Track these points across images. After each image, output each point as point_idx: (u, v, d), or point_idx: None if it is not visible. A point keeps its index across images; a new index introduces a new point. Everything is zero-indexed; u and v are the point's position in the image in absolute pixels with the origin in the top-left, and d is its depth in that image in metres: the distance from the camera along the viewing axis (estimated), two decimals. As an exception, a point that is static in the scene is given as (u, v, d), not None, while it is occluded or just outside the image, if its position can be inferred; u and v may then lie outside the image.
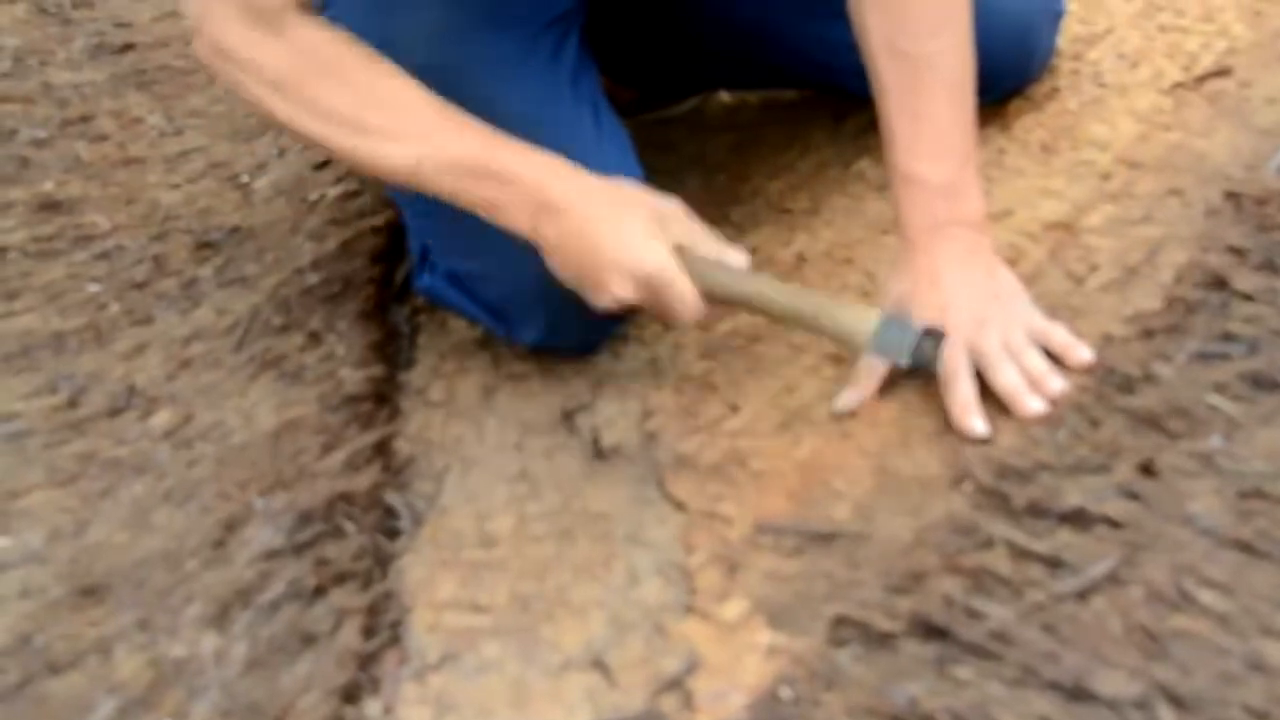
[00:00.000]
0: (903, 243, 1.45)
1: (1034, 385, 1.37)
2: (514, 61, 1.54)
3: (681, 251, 1.38)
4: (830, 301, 1.44)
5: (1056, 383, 1.37)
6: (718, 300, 1.41)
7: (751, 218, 1.71)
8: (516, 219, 1.39)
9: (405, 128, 1.41)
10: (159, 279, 1.76)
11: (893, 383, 1.43)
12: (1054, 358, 1.39)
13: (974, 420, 1.36)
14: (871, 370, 1.42)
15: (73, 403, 1.59)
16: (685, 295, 1.38)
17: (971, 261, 1.42)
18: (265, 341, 1.65)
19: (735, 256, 1.41)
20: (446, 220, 1.55)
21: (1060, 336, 1.40)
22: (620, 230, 1.38)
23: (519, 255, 1.49)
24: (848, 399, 1.43)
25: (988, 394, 1.37)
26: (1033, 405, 1.36)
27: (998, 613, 1.18)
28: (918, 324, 1.38)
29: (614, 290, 1.38)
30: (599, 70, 1.65)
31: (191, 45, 1.46)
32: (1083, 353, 1.39)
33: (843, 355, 1.48)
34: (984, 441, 1.34)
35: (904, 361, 1.37)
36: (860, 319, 1.39)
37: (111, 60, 2.22)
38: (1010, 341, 1.39)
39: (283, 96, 1.41)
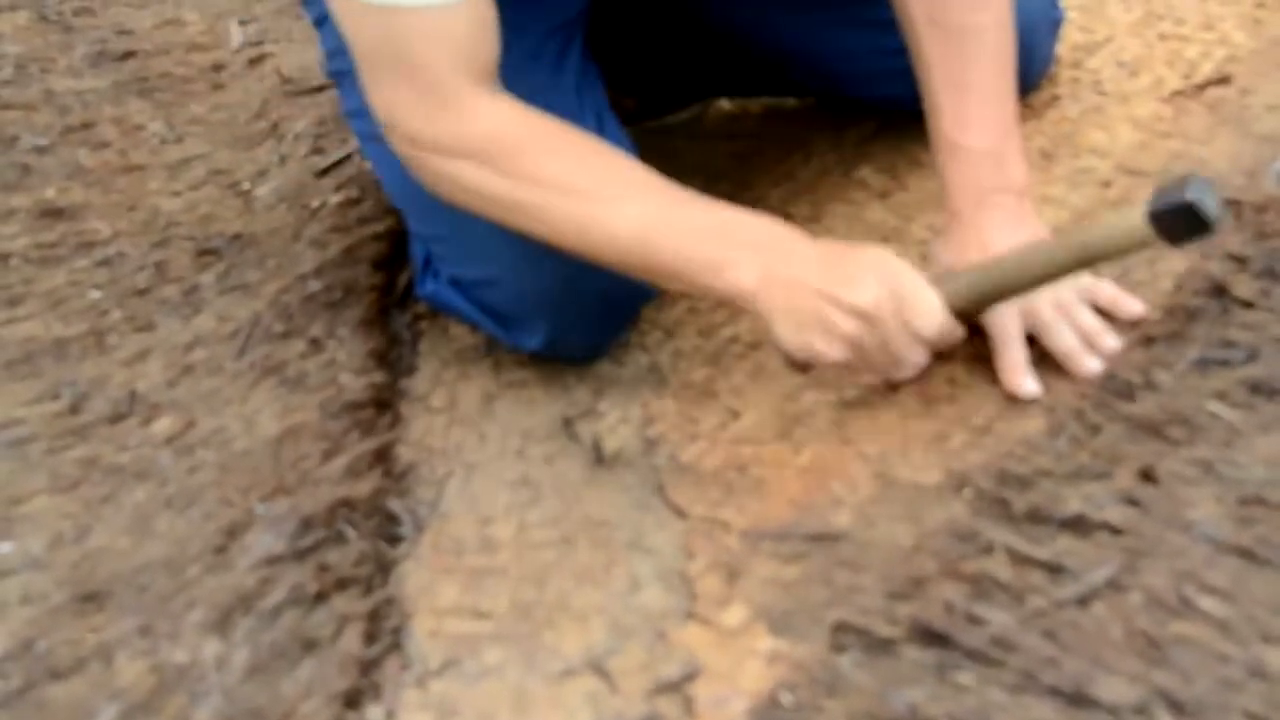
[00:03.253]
0: (949, 212, 1.46)
1: (1089, 344, 1.39)
2: (518, 69, 1.54)
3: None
4: (1082, 231, 1.37)
5: (1111, 339, 1.39)
6: (966, 307, 1.35)
7: (752, 225, 1.71)
8: (745, 272, 1.33)
9: (628, 194, 1.37)
10: (160, 286, 1.76)
11: (894, 386, 1.43)
12: (1104, 314, 1.41)
13: (1026, 381, 1.37)
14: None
15: (74, 409, 1.59)
16: (928, 300, 1.31)
17: (1018, 227, 1.43)
18: (267, 348, 1.65)
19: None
20: (450, 227, 1.55)
21: (1108, 291, 1.43)
22: (849, 258, 1.34)
23: (522, 262, 1.50)
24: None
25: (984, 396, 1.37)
26: (1091, 364, 1.38)
27: (998, 619, 1.18)
28: (1188, 190, 1.26)
29: (842, 328, 1.30)
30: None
31: (390, 143, 1.41)
32: (1133, 305, 1.42)
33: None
34: (981, 445, 1.34)
35: (1199, 235, 1.27)
36: (1127, 218, 1.30)
37: (113, 68, 2.22)
38: (1061, 300, 1.40)
39: (494, 171, 1.36)
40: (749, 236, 1.35)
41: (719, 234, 1.35)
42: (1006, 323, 1.39)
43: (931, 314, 1.31)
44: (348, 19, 1.37)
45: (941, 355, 1.38)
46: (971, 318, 1.38)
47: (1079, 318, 1.40)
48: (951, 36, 1.46)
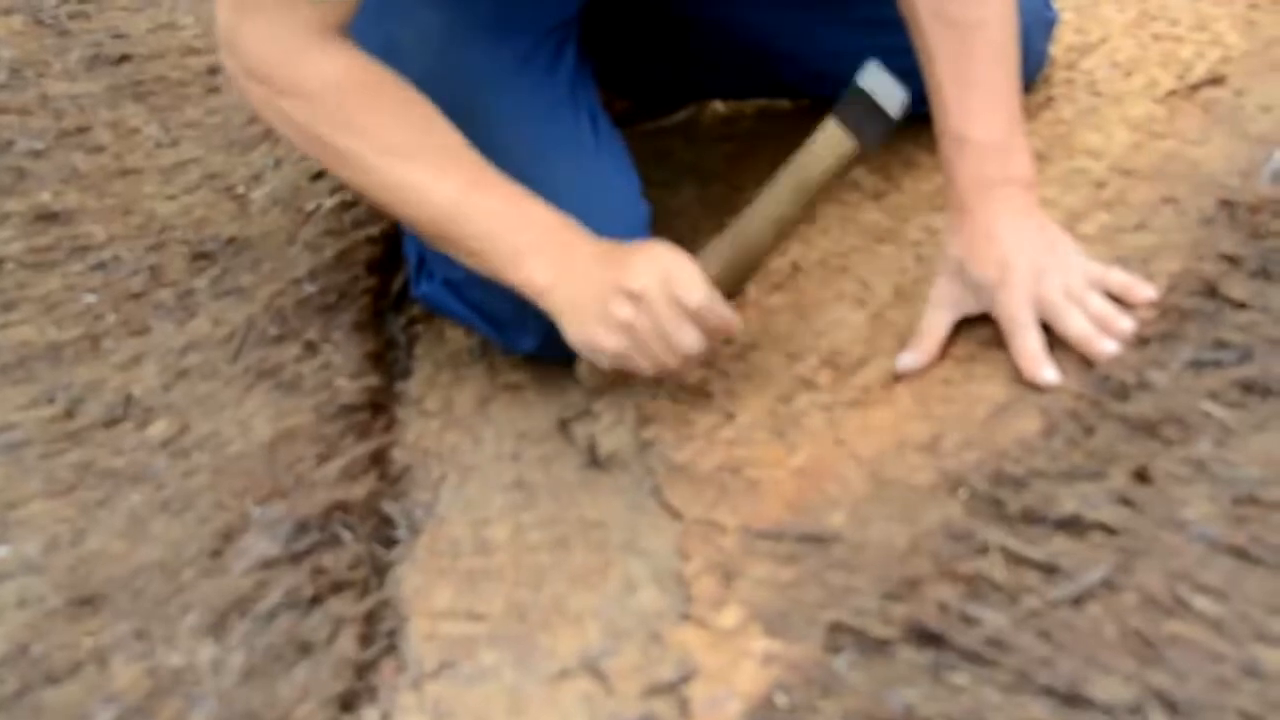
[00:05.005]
0: (954, 205, 1.46)
1: (1103, 328, 1.39)
2: (512, 71, 1.54)
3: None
4: (788, 160, 1.41)
5: (1125, 322, 1.39)
6: (727, 273, 1.41)
7: (747, 227, 1.71)
8: (540, 267, 1.39)
9: (445, 166, 1.40)
10: (155, 289, 1.76)
11: (888, 389, 1.43)
12: (1116, 300, 1.41)
13: (1045, 370, 1.38)
14: (932, 331, 1.44)
15: (69, 413, 1.59)
16: (689, 273, 1.36)
17: (1024, 217, 1.44)
18: (262, 351, 1.65)
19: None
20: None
21: (1119, 278, 1.43)
22: (626, 250, 1.39)
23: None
24: (909, 360, 1.44)
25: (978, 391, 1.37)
26: (1107, 347, 1.38)
27: (993, 619, 1.18)
28: (865, 71, 1.37)
29: (618, 314, 1.35)
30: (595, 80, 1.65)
31: (220, 59, 1.45)
32: (1144, 289, 1.42)
33: (840, 361, 1.49)
34: (975, 446, 1.34)
35: (889, 118, 1.37)
36: (822, 131, 1.38)
37: (108, 71, 2.22)
38: (1072, 288, 1.41)
39: (320, 114, 1.40)
40: (548, 231, 1.40)
41: (524, 225, 1.39)
42: (1018, 310, 1.40)
43: (694, 284, 1.36)
44: None
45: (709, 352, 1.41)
46: (742, 285, 1.44)
47: (1091, 304, 1.41)
48: (956, 30, 1.46)
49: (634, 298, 1.35)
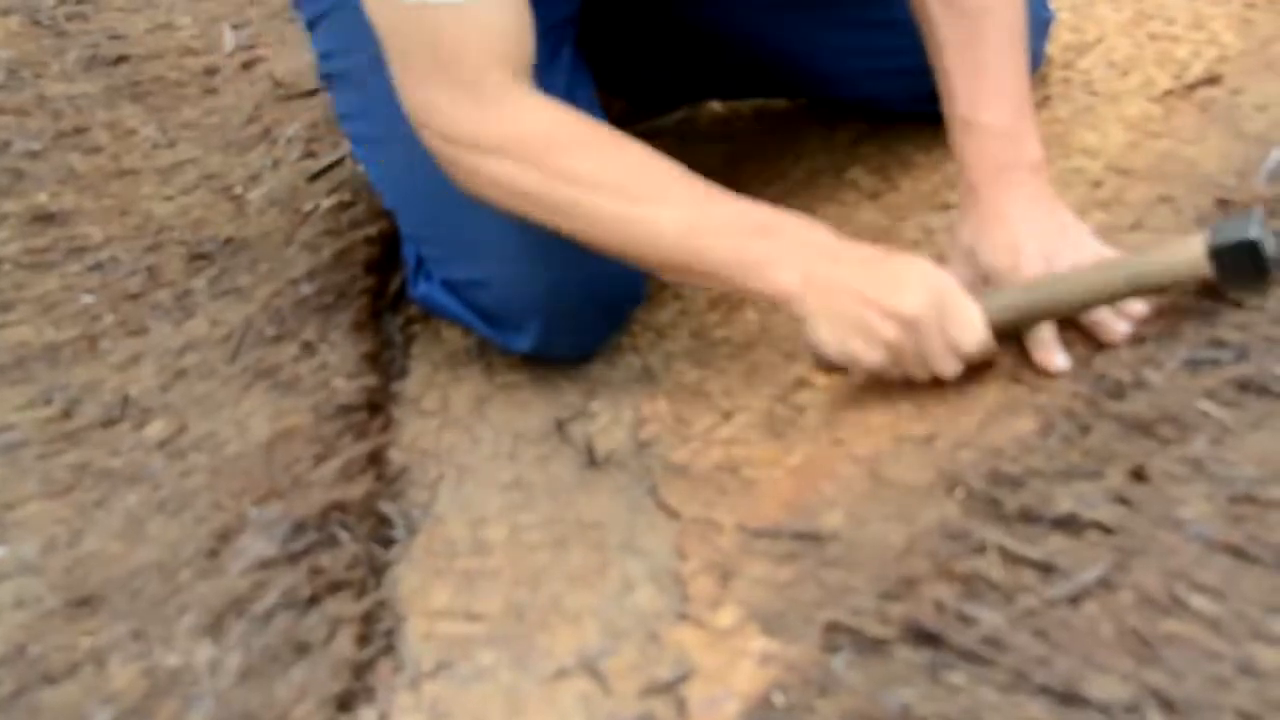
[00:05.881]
0: (965, 190, 1.46)
1: (1115, 311, 1.39)
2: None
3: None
4: (1138, 257, 1.37)
5: (1138, 305, 1.39)
6: (1008, 324, 1.37)
7: (744, 226, 1.71)
8: (788, 272, 1.35)
9: (668, 190, 1.38)
10: (153, 290, 1.76)
11: (885, 389, 1.43)
12: None
13: (1056, 356, 1.38)
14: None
15: (67, 414, 1.59)
16: (971, 315, 1.34)
17: (1035, 202, 1.44)
18: (259, 352, 1.65)
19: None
20: (443, 228, 1.56)
21: None
22: (894, 265, 1.36)
23: (513, 264, 1.50)
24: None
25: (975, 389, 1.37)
26: (1120, 328, 1.38)
27: (990, 618, 1.18)
28: (1249, 228, 1.29)
29: (883, 333, 1.33)
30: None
31: (423, 141, 1.41)
32: None
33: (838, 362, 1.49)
34: (972, 445, 1.34)
35: (1262, 280, 1.30)
36: (1186, 248, 1.32)
37: (105, 72, 2.23)
38: None
39: (533, 168, 1.37)
40: (791, 237, 1.37)
41: (761, 234, 1.36)
42: None
43: (974, 329, 1.34)
44: (382, 15, 1.37)
45: (972, 368, 1.38)
46: (1011, 335, 1.39)
47: None
48: (966, 17, 1.47)
49: (905, 322, 1.33)
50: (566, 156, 1.37)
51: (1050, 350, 1.39)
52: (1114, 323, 1.38)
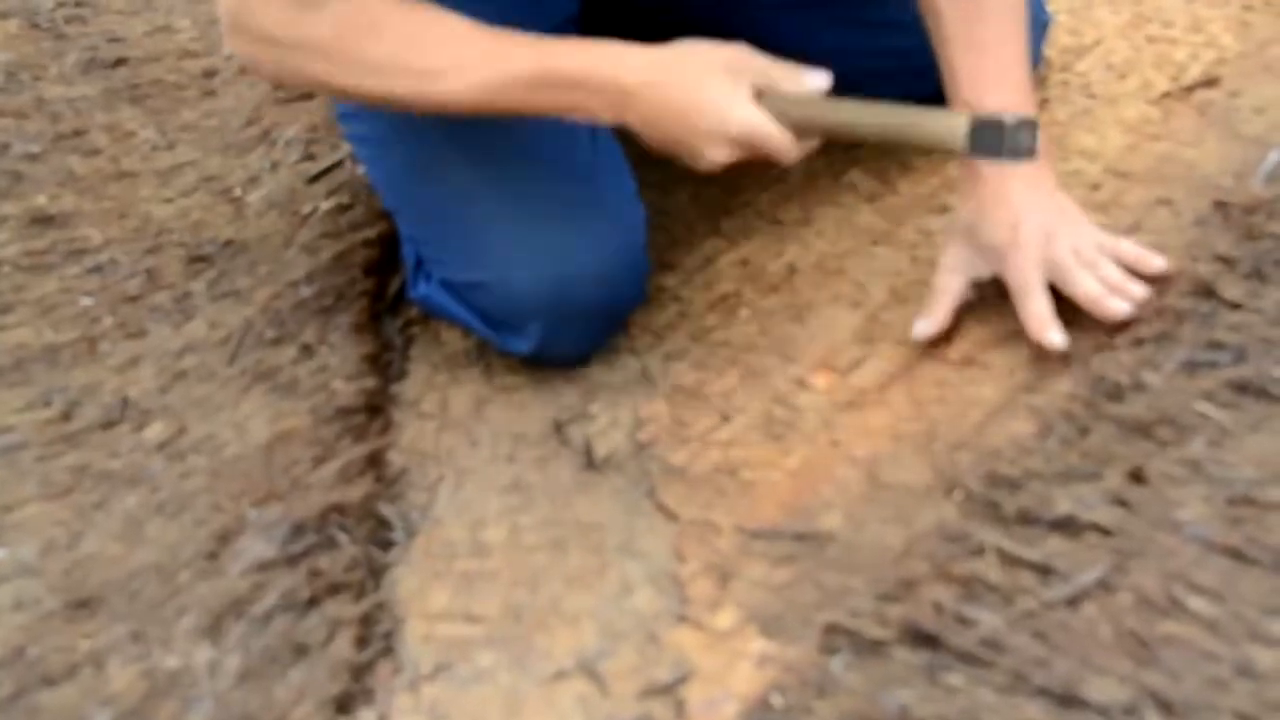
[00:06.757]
0: (967, 171, 1.47)
1: (1114, 291, 1.40)
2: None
3: (761, 94, 1.41)
4: (916, 111, 1.42)
5: (1138, 287, 1.40)
6: (808, 133, 1.43)
7: (743, 229, 1.72)
8: (600, 115, 1.42)
9: (461, 60, 1.41)
10: (152, 292, 1.76)
11: (883, 390, 1.44)
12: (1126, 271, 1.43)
13: (1052, 333, 1.39)
14: (944, 294, 1.46)
15: (66, 416, 1.59)
16: (779, 142, 1.41)
17: (1036, 182, 1.45)
18: (258, 354, 1.65)
19: (813, 80, 1.43)
20: (442, 230, 1.56)
21: (1130, 248, 1.44)
22: (702, 97, 1.41)
23: (513, 265, 1.50)
24: (924, 327, 1.46)
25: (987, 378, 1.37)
26: (1117, 306, 1.39)
27: (988, 620, 1.18)
28: (1008, 116, 1.36)
29: (711, 156, 1.41)
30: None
31: (226, 44, 1.47)
32: (1156, 261, 1.43)
33: (835, 363, 1.49)
34: (970, 447, 1.34)
35: (1003, 157, 1.37)
36: (951, 123, 1.38)
37: (104, 75, 2.22)
38: (1082, 250, 1.42)
39: (334, 63, 1.42)
40: (591, 88, 1.41)
41: (559, 83, 1.41)
42: (1028, 274, 1.41)
43: (783, 154, 1.42)
44: None
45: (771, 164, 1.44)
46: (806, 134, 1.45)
47: (1102, 269, 1.42)
48: (968, 3, 1.48)
49: (715, 163, 1.42)
50: (359, 48, 1.41)
51: (1044, 324, 1.39)
52: (1111, 300, 1.39)
